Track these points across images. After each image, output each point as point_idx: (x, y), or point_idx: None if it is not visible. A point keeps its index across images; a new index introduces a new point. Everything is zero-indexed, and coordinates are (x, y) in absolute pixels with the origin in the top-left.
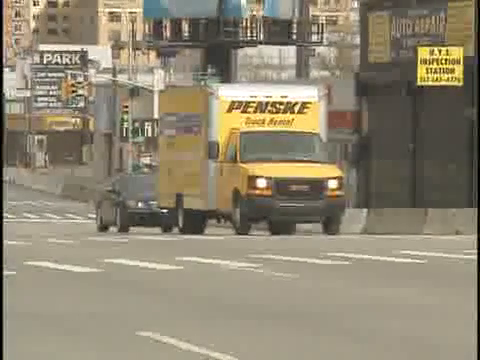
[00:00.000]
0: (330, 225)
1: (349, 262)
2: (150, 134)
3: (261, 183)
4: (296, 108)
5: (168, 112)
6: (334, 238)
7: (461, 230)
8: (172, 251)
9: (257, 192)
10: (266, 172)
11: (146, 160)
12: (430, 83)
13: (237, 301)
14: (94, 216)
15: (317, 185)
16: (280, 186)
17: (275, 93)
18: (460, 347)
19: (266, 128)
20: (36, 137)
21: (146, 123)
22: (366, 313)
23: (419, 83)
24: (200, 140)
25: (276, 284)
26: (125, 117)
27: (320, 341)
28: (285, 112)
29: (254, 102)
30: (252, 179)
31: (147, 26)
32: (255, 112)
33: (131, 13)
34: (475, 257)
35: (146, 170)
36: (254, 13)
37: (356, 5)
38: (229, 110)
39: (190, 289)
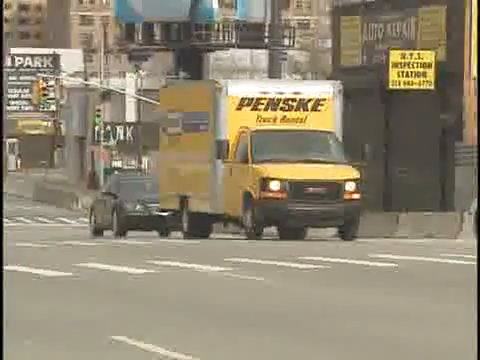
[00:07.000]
0: (347, 230)
1: (325, 266)
2: (122, 137)
3: (275, 186)
4: (310, 105)
5: (171, 109)
6: (311, 243)
7: (434, 233)
8: (153, 255)
9: (271, 195)
10: (280, 174)
11: (117, 163)
12: (402, 87)
13: (214, 305)
14: (65, 220)
15: (334, 188)
16: (295, 189)
17: (287, 89)
18: (442, 348)
19: (279, 126)
20: (8, 141)
21: (118, 127)
22: (345, 317)
23: (390, 87)
24: (207, 139)
25: (253, 288)
26: (97, 120)
27: (298, 345)
28: (298, 109)
29: (265, 98)
30: (265, 181)
31: (119, 30)
32: (266, 109)
33: (103, 17)
34: (450, 261)
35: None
36: (226, 17)
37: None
38: (239, 107)
39: (167, 293)
